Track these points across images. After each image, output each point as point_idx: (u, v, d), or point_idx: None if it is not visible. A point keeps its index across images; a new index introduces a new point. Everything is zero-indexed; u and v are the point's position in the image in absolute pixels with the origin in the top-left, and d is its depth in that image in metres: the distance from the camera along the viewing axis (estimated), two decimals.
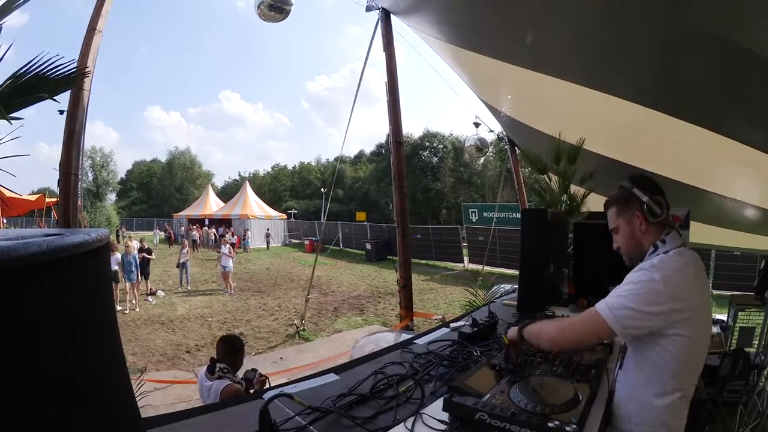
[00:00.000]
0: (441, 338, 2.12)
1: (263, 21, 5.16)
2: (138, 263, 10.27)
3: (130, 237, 12.64)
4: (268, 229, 27.53)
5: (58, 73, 2.05)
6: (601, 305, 1.31)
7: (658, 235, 1.41)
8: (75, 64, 2.30)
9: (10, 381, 0.42)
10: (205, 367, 2.49)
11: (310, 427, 1.20)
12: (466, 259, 18.18)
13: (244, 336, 8.15)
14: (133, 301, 10.09)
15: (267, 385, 2.47)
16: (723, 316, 4.79)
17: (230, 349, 2.60)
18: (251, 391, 2.44)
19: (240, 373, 2.58)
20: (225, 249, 12.34)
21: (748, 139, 2.67)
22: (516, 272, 2.93)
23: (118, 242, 14.11)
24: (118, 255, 9.87)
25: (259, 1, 4.94)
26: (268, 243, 26.72)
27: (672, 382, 1.31)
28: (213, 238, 25.16)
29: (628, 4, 2.24)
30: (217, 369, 2.41)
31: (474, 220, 19.98)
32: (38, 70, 1.98)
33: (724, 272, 10.77)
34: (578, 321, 1.40)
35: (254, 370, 2.57)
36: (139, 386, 3.73)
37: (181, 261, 12.47)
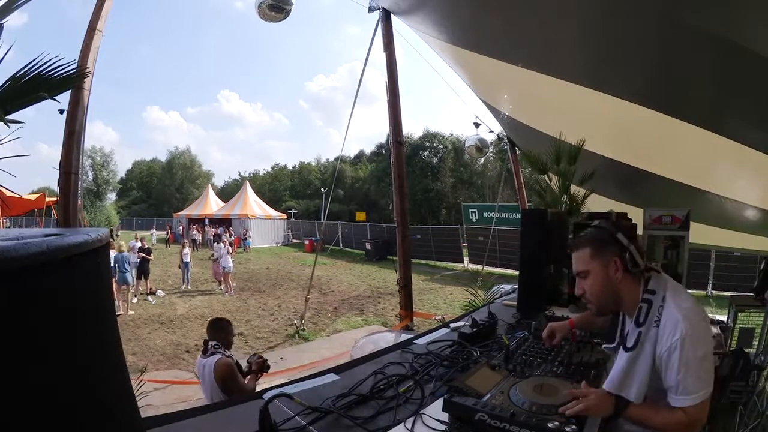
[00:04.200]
0: (441, 338, 2.12)
1: (263, 21, 5.16)
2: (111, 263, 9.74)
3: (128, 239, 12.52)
4: (289, 228, 30.21)
5: (58, 73, 2.05)
6: (689, 401, 1.18)
7: (636, 285, 1.31)
8: (75, 65, 2.30)
9: (11, 381, 0.42)
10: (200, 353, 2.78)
11: (310, 427, 1.20)
12: (466, 259, 18.17)
13: (244, 336, 8.14)
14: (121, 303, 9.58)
15: (266, 366, 2.86)
16: (723, 317, 4.78)
17: (217, 328, 2.82)
18: (253, 372, 2.82)
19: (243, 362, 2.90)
20: (223, 249, 12.32)
21: (748, 139, 2.67)
22: (516, 272, 2.93)
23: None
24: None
25: (259, 0, 4.93)
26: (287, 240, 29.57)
27: None
28: (211, 238, 25.18)
29: (628, 4, 2.25)
30: (210, 347, 2.66)
31: (474, 220, 19.96)
32: (39, 70, 1.98)
33: (723, 273, 10.78)
34: (686, 420, 1.20)
35: (254, 354, 2.93)
36: (139, 386, 3.73)
37: (184, 261, 12.48)
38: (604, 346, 1.52)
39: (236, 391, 2.51)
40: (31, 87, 1.97)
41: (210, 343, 2.68)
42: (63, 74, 2.07)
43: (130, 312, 9.46)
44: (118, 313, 8.71)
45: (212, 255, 12.66)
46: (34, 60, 1.97)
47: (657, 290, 1.28)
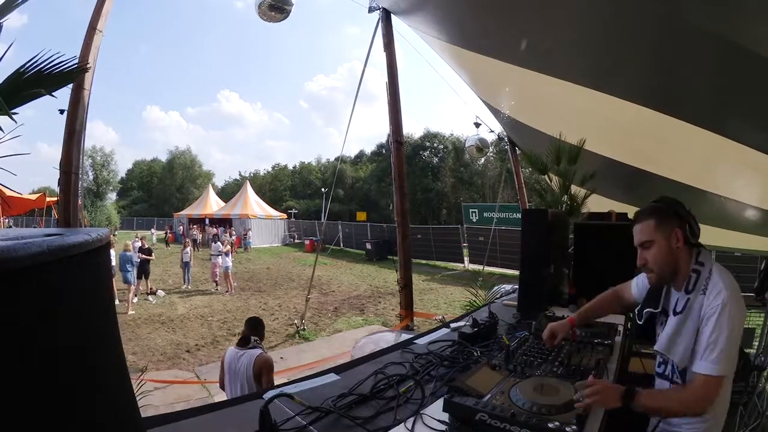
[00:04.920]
0: (441, 338, 2.12)
1: (263, 21, 5.16)
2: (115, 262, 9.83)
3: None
4: (292, 228, 30.24)
5: (58, 69, 2.05)
6: (709, 368, 1.26)
7: (690, 256, 1.43)
8: (75, 60, 2.30)
9: (11, 381, 0.42)
10: (233, 345, 2.93)
11: (310, 427, 1.20)
12: (466, 259, 18.17)
13: None
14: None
15: None
16: None
17: (256, 326, 3.05)
18: None
19: None
20: (221, 248, 12.32)
21: (748, 140, 2.67)
22: (516, 272, 2.93)
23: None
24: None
25: (259, 1, 4.93)
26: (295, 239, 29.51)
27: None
28: (211, 237, 25.16)
29: (628, 4, 2.24)
30: (252, 341, 2.85)
31: (474, 220, 19.97)
32: (39, 67, 1.98)
33: None
34: (698, 392, 1.28)
35: None
36: (139, 386, 3.73)
37: (184, 260, 12.51)
38: (646, 309, 1.57)
39: (266, 383, 2.72)
40: (32, 83, 1.97)
41: (252, 337, 2.89)
42: (63, 70, 2.06)
43: (130, 312, 9.48)
44: (121, 312, 8.75)
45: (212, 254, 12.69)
46: (35, 56, 1.97)
47: (705, 263, 1.42)
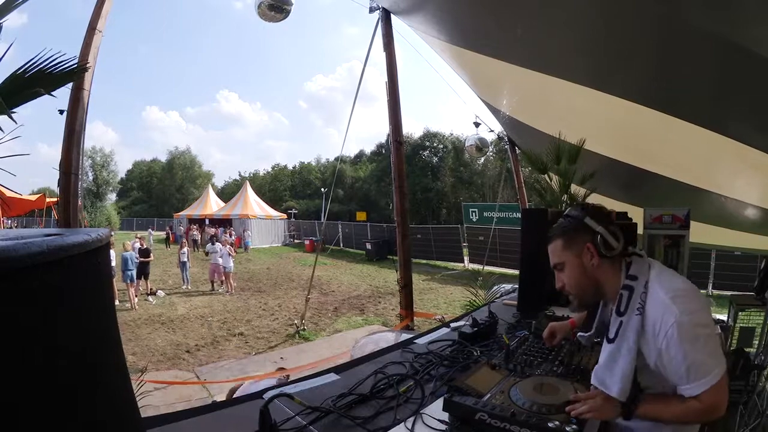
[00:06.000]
0: (441, 338, 2.12)
1: (263, 21, 5.15)
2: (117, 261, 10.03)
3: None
4: (292, 228, 30.15)
5: (59, 69, 2.05)
6: (702, 385, 1.08)
7: (616, 271, 1.24)
8: (76, 60, 2.30)
9: (10, 381, 0.42)
10: None
11: (310, 427, 1.20)
12: (466, 258, 18.17)
13: (245, 336, 8.14)
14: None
15: None
16: (723, 316, 4.79)
17: None
18: None
19: None
20: (223, 249, 12.32)
21: (748, 139, 2.67)
22: (516, 272, 2.93)
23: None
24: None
25: (259, 1, 4.93)
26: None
27: None
28: (209, 238, 25.12)
29: (628, 3, 2.24)
30: None
31: (474, 219, 19.96)
32: (40, 66, 1.98)
33: (724, 272, 10.77)
34: (708, 403, 1.10)
35: None
36: (139, 386, 3.72)
37: (181, 261, 12.51)
38: (579, 334, 1.51)
39: None
40: (33, 82, 1.97)
41: None
42: (64, 69, 2.06)
43: (131, 312, 9.48)
44: (121, 311, 8.78)
45: (206, 252, 12.74)
46: (36, 56, 1.97)
47: (639, 275, 1.20)
